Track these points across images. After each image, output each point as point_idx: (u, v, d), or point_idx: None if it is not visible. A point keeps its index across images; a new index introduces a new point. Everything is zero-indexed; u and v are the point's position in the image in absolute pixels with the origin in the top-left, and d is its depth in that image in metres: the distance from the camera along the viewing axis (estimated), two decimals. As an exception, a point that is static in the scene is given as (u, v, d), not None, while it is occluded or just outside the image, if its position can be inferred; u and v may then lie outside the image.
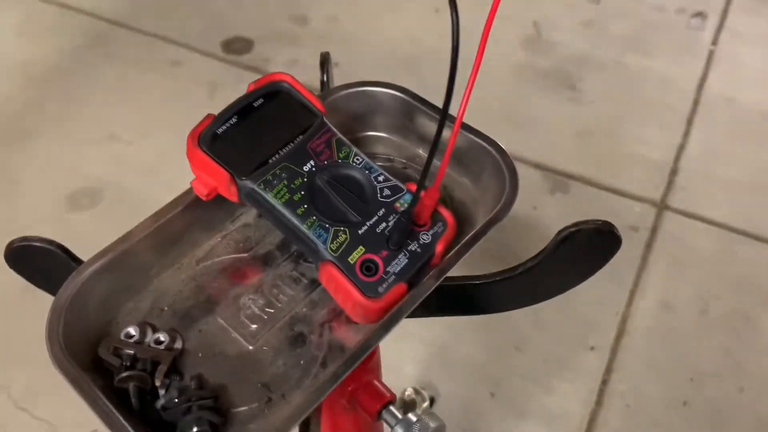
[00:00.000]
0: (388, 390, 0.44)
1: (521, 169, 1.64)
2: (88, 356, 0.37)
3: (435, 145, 0.34)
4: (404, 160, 0.48)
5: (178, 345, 0.39)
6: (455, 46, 0.31)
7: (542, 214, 1.54)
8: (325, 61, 0.50)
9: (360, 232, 0.38)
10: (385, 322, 0.36)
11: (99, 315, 0.39)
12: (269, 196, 0.38)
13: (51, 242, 0.39)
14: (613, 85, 1.84)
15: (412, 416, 0.41)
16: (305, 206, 0.38)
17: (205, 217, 0.42)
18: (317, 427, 0.44)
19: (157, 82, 1.86)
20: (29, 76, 1.86)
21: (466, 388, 1.29)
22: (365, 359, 0.41)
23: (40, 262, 0.40)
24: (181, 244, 0.42)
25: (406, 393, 1.23)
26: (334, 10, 2.03)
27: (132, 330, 0.38)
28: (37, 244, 0.39)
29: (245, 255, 0.42)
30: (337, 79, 2.02)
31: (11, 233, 0.44)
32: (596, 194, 1.58)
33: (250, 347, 0.39)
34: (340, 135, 0.42)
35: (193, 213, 0.41)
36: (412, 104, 0.47)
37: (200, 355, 0.39)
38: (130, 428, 0.33)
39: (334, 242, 0.37)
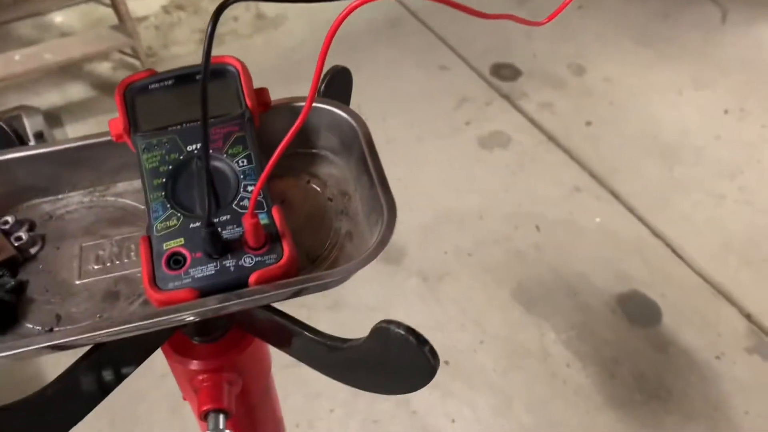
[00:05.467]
0: (227, 400, 0.42)
1: (728, 312, 1.39)
2: None
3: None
4: (337, 190, 0.44)
5: (33, 249, 0.41)
6: (207, 51, 0.30)
7: (723, 368, 1.30)
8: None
9: (191, 225, 0.37)
10: (164, 312, 0.34)
11: (2, 196, 0.43)
12: (143, 158, 0.39)
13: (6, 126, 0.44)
14: None
15: None
16: (163, 180, 0.39)
17: (130, 161, 0.42)
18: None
19: (418, 77, 1.96)
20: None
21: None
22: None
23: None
24: (101, 173, 0.44)
25: None
26: (615, 73, 1.93)
27: (10, 218, 0.41)
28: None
29: (142, 207, 0.42)
30: (582, 141, 1.91)
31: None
32: (803, 380, 1.28)
33: (76, 281, 0.40)
34: (248, 134, 0.40)
35: (111, 149, 0.43)
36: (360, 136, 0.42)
37: (41, 267, 0.41)
38: None
39: (164, 223, 0.37)
